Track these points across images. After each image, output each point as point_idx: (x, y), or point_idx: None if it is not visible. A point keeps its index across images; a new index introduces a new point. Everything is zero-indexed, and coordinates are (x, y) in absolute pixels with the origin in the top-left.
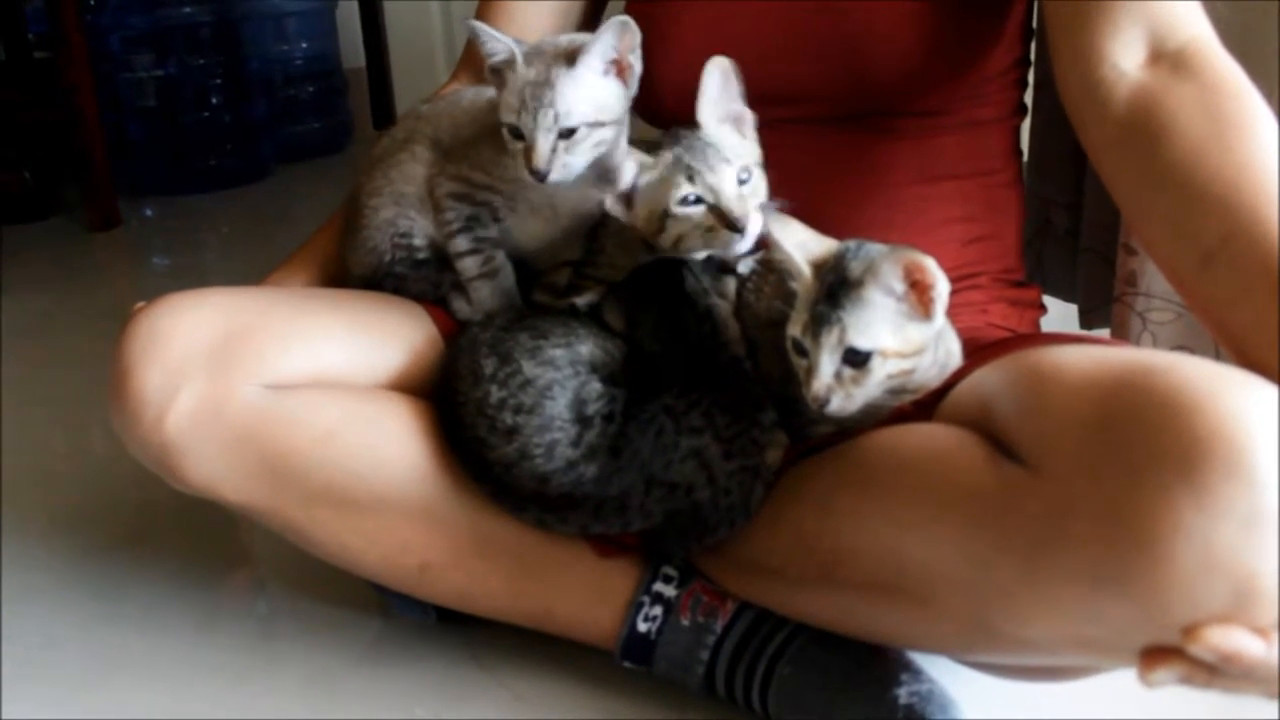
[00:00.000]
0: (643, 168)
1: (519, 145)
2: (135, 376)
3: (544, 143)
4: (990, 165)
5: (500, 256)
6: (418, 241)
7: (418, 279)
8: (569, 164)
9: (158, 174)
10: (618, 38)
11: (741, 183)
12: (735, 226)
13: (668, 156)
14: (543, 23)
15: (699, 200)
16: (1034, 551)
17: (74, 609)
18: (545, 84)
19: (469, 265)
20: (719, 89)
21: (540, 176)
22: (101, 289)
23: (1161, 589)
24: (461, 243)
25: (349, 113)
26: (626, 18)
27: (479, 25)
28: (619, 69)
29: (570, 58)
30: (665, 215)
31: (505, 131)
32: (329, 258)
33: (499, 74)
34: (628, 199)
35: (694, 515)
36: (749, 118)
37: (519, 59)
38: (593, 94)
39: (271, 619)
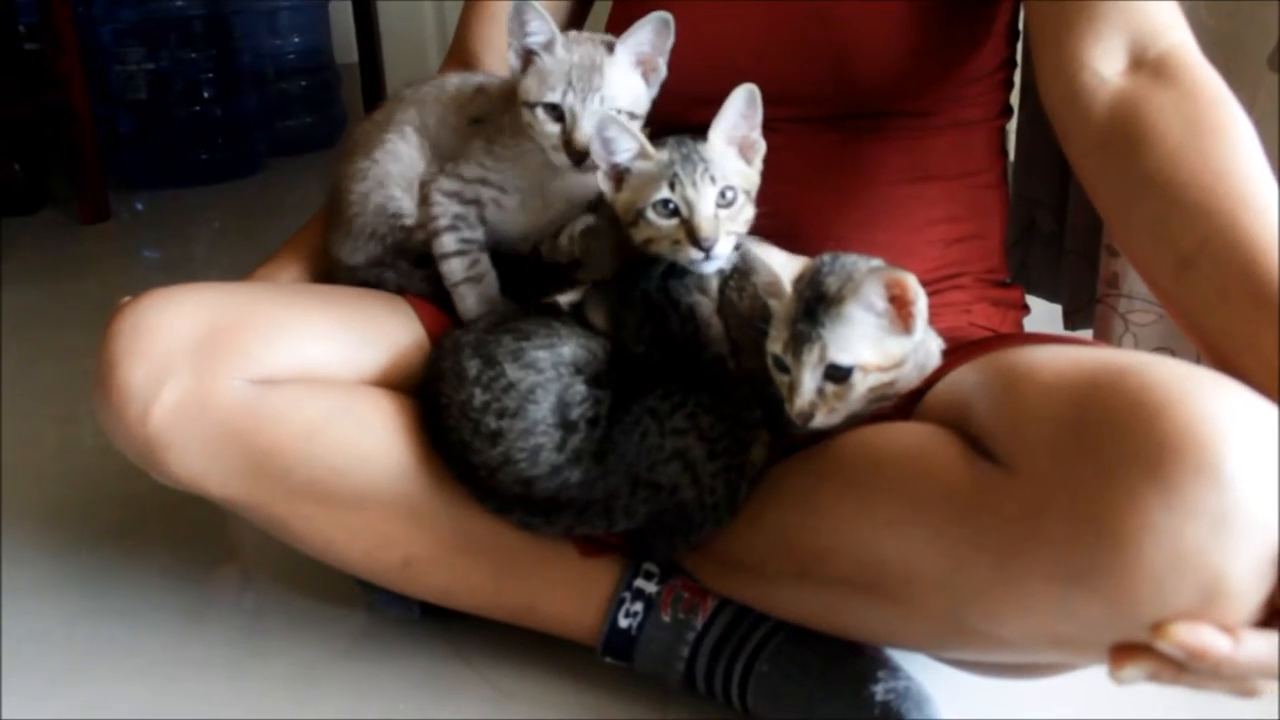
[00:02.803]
0: (643, 154)
1: (555, 126)
2: (120, 371)
3: (589, 124)
4: (975, 166)
5: (485, 261)
6: (409, 222)
7: (424, 276)
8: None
9: (149, 167)
10: (657, 34)
11: (724, 205)
12: (700, 245)
13: (663, 157)
14: None
15: (675, 211)
16: (1008, 550)
17: (59, 603)
18: (594, 68)
19: (455, 268)
20: (739, 113)
21: (579, 158)
22: (92, 282)
23: (1131, 587)
24: (448, 242)
25: (341, 107)
26: (668, 16)
27: (526, 2)
28: (645, 68)
29: (610, 46)
30: (640, 214)
31: (538, 111)
32: (315, 253)
33: (530, 56)
34: (619, 178)
35: (679, 514)
36: (760, 147)
37: (559, 42)
38: (629, 84)
39: (257, 613)
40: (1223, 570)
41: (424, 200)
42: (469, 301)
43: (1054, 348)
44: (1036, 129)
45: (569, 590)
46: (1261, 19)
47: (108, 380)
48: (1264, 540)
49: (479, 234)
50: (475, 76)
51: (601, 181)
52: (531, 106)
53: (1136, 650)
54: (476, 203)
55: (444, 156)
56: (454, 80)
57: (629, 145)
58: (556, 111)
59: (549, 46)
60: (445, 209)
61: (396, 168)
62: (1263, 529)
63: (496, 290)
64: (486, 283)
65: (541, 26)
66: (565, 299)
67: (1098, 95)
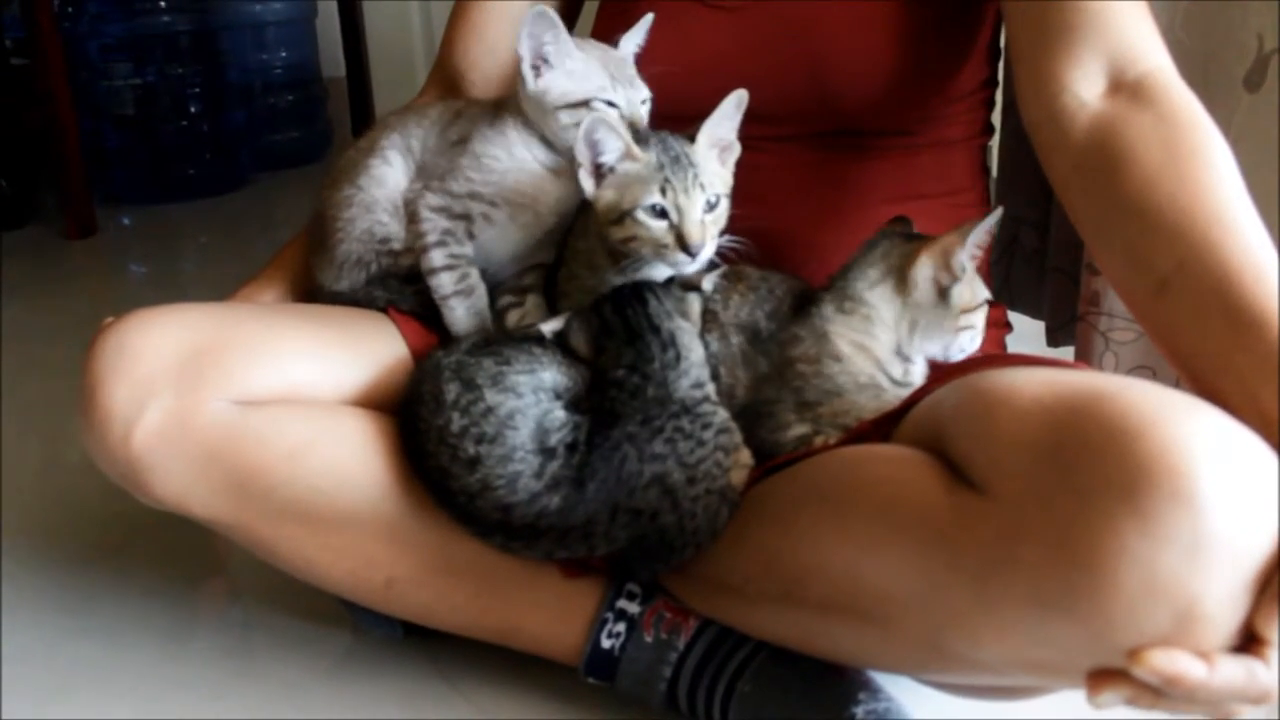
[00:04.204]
0: (627, 153)
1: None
2: (103, 391)
3: (644, 111)
4: (958, 185)
5: (475, 275)
6: (397, 245)
7: (414, 293)
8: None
9: (135, 182)
10: (646, 33)
11: (709, 210)
12: (689, 251)
13: (651, 159)
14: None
15: (664, 214)
16: (985, 574)
17: (43, 622)
18: (623, 60)
19: (444, 282)
20: (727, 116)
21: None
22: (79, 297)
23: (1106, 612)
24: (436, 258)
25: (328, 122)
26: (650, 15)
27: (541, 9)
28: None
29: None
30: (627, 214)
31: (596, 104)
32: (298, 272)
33: (541, 63)
34: (599, 174)
35: (659, 539)
36: (736, 150)
37: (573, 45)
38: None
39: (241, 633)
40: (1198, 595)
41: (412, 218)
42: (458, 313)
43: (1030, 371)
44: (1019, 147)
45: (552, 611)
46: (1237, 39)
47: (90, 401)
48: (1239, 565)
49: (468, 249)
50: (454, 103)
51: (583, 179)
52: (577, 105)
53: (1113, 675)
54: (466, 217)
55: (429, 178)
56: (435, 108)
57: (616, 146)
58: (613, 102)
59: (566, 51)
60: (434, 224)
61: (382, 193)
62: (1237, 554)
63: (486, 304)
64: (476, 296)
65: (556, 35)
66: (548, 327)
67: (1077, 118)
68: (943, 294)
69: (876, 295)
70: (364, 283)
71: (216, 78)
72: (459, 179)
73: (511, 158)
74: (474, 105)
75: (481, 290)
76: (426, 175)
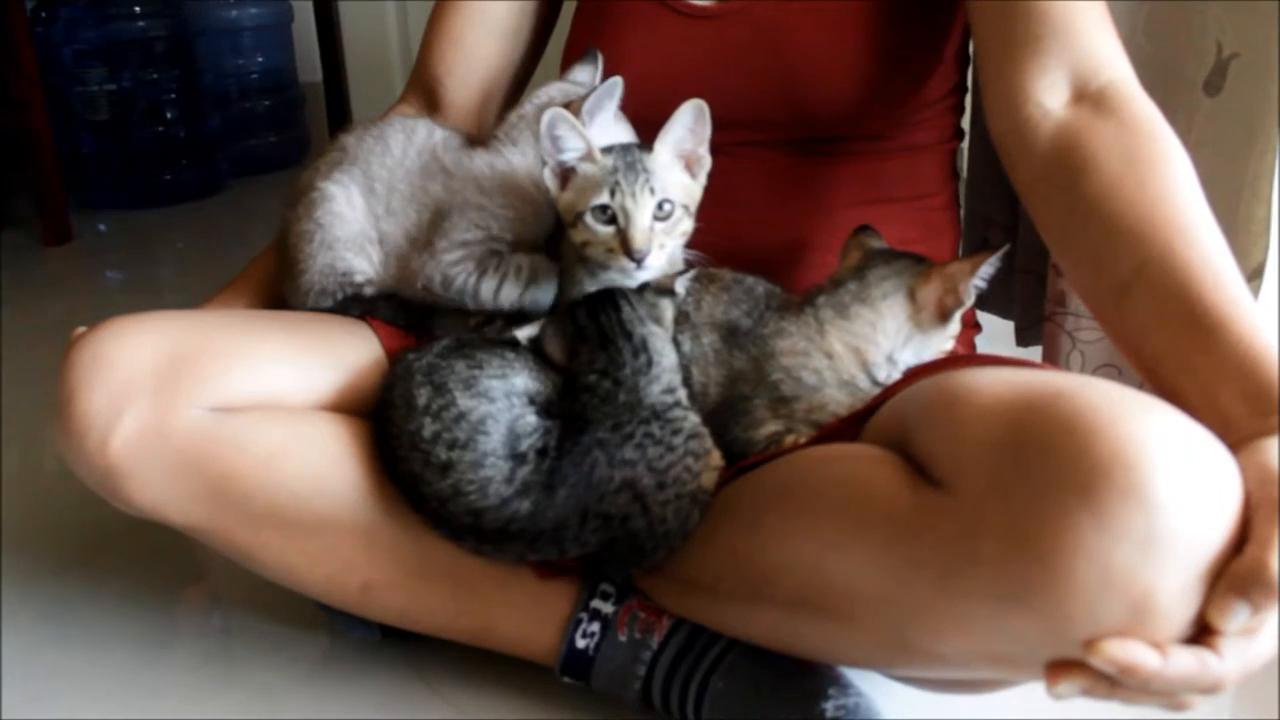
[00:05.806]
0: (588, 154)
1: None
2: (79, 400)
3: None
4: (928, 189)
5: (527, 261)
6: (359, 279)
7: (387, 306)
8: None
9: (111, 188)
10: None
11: (661, 218)
12: (632, 255)
13: (607, 162)
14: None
15: (612, 219)
16: (947, 570)
17: (20, 630)
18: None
19: (510, 293)
20: (685, 127)
21: None
22: (54, 304)
23: (1064, 605)
24: (488, 286)
25: (305, 126)
26: (597, 52)
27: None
28: None
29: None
30: (580, 217)
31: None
32: (268, 282)
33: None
34: (565, 177)
35: (630, 542)
36: (706, 163)
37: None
38: None
39: (218, 638)
40: (1151, 589)
41: (444, 283)
42: (537, 294)
43: (992, 370)
44: (988, 150)
45: (527, 612)
46: (1198, 45)
47: (66, 410)
48: (1191, 560)
49: (505, 250)
50: (417, 136)
51: (548, 178)
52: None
53: (1071, 666)
54: (489, 252)
55: (396, 216)
56: (396, 140)
57: (577, 145)
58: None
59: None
60: (464, 269)
61: (344, 231)
62: (1190, 549)
63: (555, 280)
64: (544, 271)
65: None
66: (523, 333)
67: (1041, 127)
68: (943, 315)
69: (887, 306)
70: (330, 307)
71: (192, 83)
72: (470, 229)
73: (524, 204)
74: (455, 154)
75: (546, 266)
76: (393, 210)
